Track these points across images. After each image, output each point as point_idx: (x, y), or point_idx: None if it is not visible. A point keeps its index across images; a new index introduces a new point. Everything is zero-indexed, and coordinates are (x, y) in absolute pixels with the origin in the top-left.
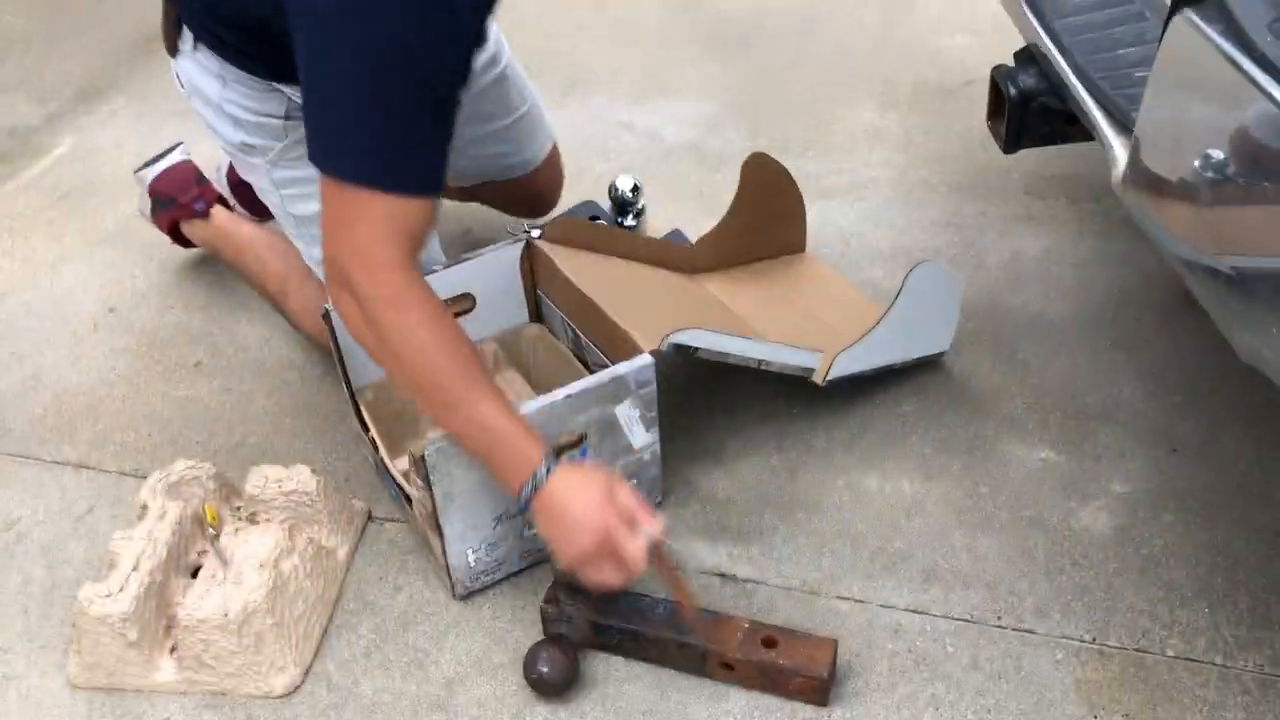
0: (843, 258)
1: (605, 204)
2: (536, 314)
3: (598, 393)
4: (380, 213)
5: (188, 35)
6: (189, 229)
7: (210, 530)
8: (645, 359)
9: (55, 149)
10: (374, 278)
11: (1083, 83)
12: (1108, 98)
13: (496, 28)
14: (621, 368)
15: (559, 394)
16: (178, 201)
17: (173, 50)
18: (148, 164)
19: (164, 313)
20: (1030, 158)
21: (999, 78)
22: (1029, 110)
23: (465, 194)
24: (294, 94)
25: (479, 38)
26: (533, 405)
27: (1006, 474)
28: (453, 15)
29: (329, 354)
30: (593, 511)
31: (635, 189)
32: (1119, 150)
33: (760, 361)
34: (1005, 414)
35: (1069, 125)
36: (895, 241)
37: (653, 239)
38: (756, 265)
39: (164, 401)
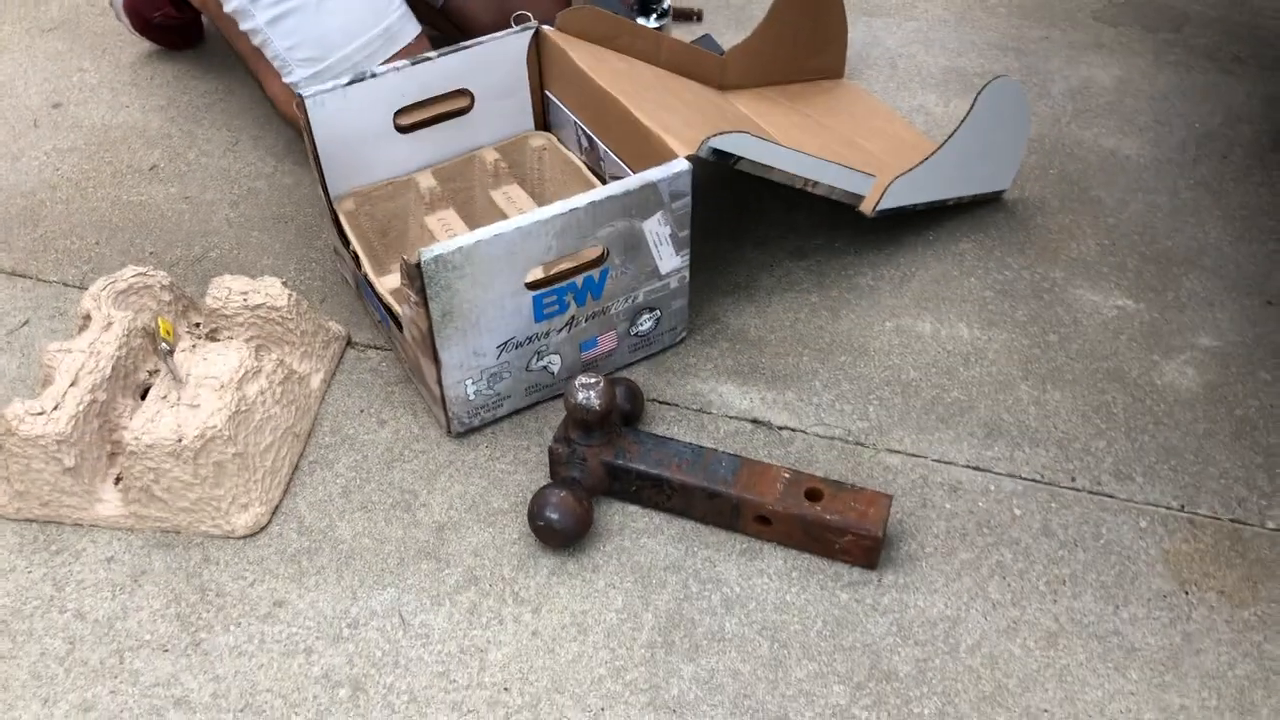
0: (890, 80)
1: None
2: (543, 121)
3: (624, 201)
4: None
5: None
6: None
7: (163, 345)
8: (681, 164)
9: None
10: None
11: None
12: None
13: None
14: (653, 173)
15: (580, 200)
16: None
17: None
18: None
19: (117, 111)
20: None
21: None
22: None
23: (442, 17)
24: None
25: None
26: (550, 211)
27: (1079, 322)
28: None
29: (304, 156)
30: None
31: None
32: None
33: (807, 181)
34: (1076, 256)
35: None
36: (949, 64)
37: (680, 42)
38: (792, 87)
39: (114, 207)
